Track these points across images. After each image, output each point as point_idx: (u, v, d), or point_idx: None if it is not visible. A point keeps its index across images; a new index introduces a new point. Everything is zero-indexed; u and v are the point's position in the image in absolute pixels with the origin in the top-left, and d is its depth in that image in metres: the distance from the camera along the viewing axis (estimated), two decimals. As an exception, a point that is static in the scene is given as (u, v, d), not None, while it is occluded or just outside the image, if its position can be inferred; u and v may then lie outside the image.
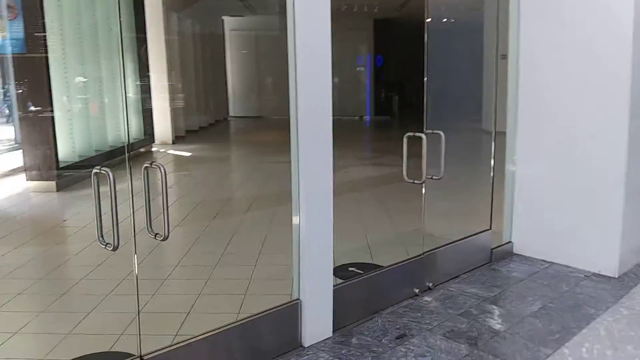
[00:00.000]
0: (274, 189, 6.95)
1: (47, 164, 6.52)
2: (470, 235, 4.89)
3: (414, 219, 4.31)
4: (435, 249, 4.47)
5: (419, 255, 4.34)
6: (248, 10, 15.64)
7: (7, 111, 12.85)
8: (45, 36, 6.73)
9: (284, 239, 3.54)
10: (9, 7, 6.92)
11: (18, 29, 6.77)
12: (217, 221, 5.31)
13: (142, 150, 9.83)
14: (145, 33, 10.20)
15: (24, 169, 6.58)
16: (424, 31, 4.86)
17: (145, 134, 9.95)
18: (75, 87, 7.83)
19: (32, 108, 6.85)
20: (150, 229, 3.10)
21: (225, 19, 17.65)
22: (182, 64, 12.02)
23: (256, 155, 10.08)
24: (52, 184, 6.50)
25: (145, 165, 2.96)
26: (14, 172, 7.13)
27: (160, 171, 2.91)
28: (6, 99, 12.54)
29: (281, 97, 14.89)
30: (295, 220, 3.62)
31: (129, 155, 3.27)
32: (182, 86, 12.06)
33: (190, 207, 5.80)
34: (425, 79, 4.80)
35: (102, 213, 2.66)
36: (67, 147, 7.23)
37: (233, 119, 18.07)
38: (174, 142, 11.26)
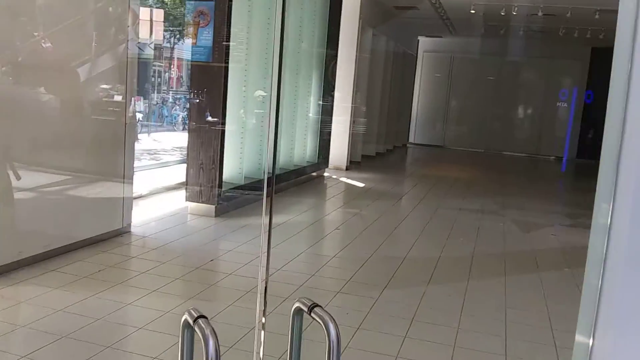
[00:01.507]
0: (460, 251, 5.54)
1: (209, 185, 5.83)
2: None
3: None
4: None
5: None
6: (448, 30, 14.30)
7: (181, 118, 13.06)
8: (229, 45, 6.15)
9: None
10: (202, 13, 6.47)
11: (208, 37, 6.27)
12: (386, 292, 4.08)
13: (314, 174, 9.00)
14: (336, 49, 9.40)
15: (185, 187, 5.97)
16: None
17: (319, 157, 9.12)
18: (254, 101, 7.17)
19: (210, 119, 6.28)
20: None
21: (421, 39, 16.50)
22: (369, 84, 11.09)
23: (437, 196, 8.69)
24: (212, 208, 5.78)
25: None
26: (179, 186, 6.61)
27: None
28: (185, 107, 12.70)
29: (468, 127, 13.21)
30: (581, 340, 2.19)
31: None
32: (365, 109, 11.12)
33: (353, 266, 4.63)
34: None
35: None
36: (234, 167, 6.53)
37: (412, 145, 16.86)
38: (347, 168, 10.36)
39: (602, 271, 1.49)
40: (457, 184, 10.36)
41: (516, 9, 10.26)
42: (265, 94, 7.54)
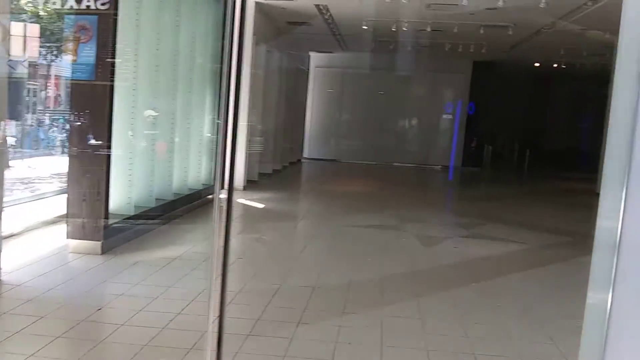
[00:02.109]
0: (370, 272, 5.37)
1: (94, 218, 5.21)
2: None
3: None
4: None
5: None
6: (339, 46, 14.39)
7: (59, 141, 12.00)
8: (115, 62, 5.59)
9: None
10: (83, 28, 5.85)
11: (90, 53, 5.66)
12: (300, 331, 3.77)
13: (210, 197, 8.51)
14: (230, 65, 9.02)
15: (66, 221, 5.30)
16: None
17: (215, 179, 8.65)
18: (144, 122, 6.61)
19: (93, 142, 5.65)
20: None
21: (313, 54, 16.49)
22: (264, 101, 10.79)
23: (337, 213, 8.54)
24: (97, 245, 5.17)
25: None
26: (59, 220, 5.89)
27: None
28: (64, 130, 11.70)
29: (360, 140, 13.34)
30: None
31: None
32: (261, 126, 10.81)
33: (262, 301, 4.28)
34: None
35: None
36: (123, 195, 5.93)
37: (306, 160, 16.76)
38: (245, 188, 9.97)
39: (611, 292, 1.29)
40: (355, 198, 10.33)
41: (406, 24, 10.45)
42: (156, 114, 7.00)
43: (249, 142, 10.09)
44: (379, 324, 3.95)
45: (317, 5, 9.69)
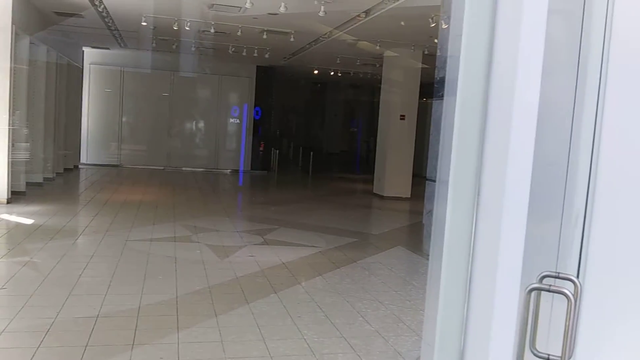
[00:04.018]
0: (162, 293, 4.92)
1: None
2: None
3: None
4: None
5: None
6: (117, 42, 13.33)
7: None
8: None
9: None
10: None
11: None
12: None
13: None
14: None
15: None
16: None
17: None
18: None
19: None
20: None
21: (87, 50, 15.04)
22: (29, 101, 9.46)
23: (123, 225, 7.82)
24: None
25: None
26: None
27: None
28: None
29: (145, 144, 12.64)
30: None
31: None
32: (27, 130, 9.45)
33: (33, 341, 3.60)
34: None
35: None
36: None
37: (85, 167, 15.29)
38: (9, 201, 8.63)
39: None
40: (143, 208, 9.62)
41: (189, 24, 10.04)
42: None
43: (12, 147, 8.76)
44: (174, 353, 3.58)
45: (89, -5, 8.78)
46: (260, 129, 17.37)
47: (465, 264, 1.12)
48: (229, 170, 16.95)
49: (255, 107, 17.15)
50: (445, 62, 1.12)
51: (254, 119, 17.22)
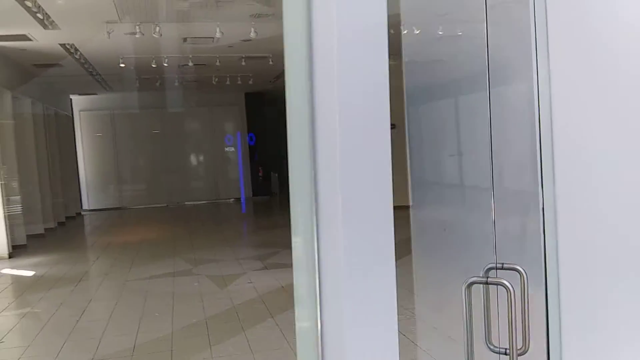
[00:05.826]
0: (158, 330, 4.91)
1: None
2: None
3: None
4: None
5: None
6: (102, 87, 13.47)
7: None
8: None
9: None
10: None
11: None
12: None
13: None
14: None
15: None
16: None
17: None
18: None
19: None
20: None
21: (74, 97, 15.20)
22: (18, 155, 9.54)
23: (123, 267, 7.82)
24: None
25: None
26: None
27: None
28: None
29: (144, 184, 12.60)
30: None
31: None
32: (19, 184, 9.52)
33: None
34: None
35: None
36: None
37: (88, 212, 15.35)
38: (11, 256, 8.67)
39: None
40: (144, 247, 9.63)
41: (167, 60, 10.13)
42: None
43: (7, 201, 8.83)
44: (168, 389, 3.56)
45: (63, 45, 8.86)
46: (256, 155, 17.40)
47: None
48: (232, 199, 16.95)
49: (248, 133, 17.21)
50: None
51: (249, 145, 17.28)
